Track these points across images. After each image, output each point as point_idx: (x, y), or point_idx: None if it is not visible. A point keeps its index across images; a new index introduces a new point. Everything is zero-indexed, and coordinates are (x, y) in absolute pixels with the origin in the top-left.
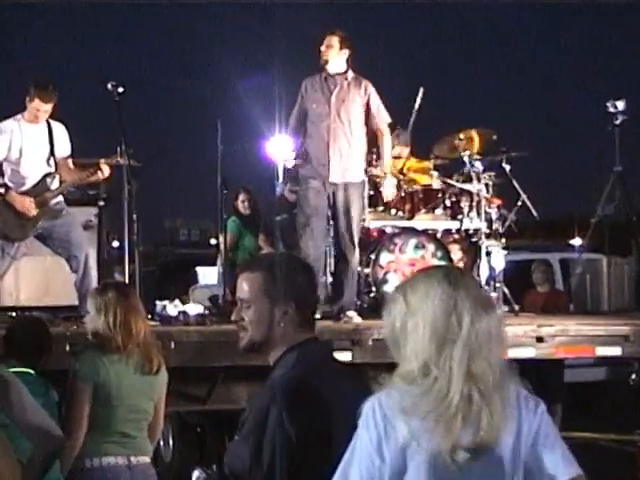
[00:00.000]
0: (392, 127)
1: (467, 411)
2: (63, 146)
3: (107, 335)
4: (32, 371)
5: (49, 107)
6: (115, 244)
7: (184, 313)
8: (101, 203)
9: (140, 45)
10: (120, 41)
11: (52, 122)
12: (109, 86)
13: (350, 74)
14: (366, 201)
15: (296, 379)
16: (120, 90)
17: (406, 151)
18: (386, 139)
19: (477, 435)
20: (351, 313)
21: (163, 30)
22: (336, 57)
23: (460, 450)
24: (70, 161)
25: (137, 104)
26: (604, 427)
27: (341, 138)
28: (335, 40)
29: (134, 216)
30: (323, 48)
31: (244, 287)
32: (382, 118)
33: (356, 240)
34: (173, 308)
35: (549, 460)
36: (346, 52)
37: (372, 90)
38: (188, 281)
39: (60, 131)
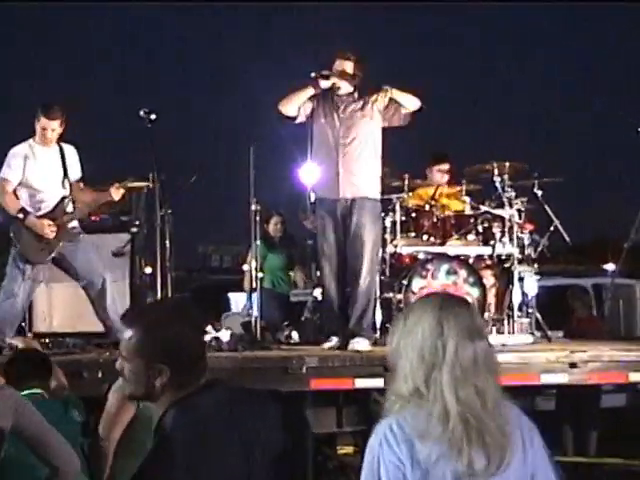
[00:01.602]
0: (441, 156)
1: (469, 434)
2: (75, 168)
3: None
4: (41, 391)
5: (56, 125)
6: (148, 270)
7: (217, 339)
8: (133, 230)
9: (172, 71)
10: (152, 67)
11: (63, 145)
12: (141, 113)
13: (357, 92)
14: (380, 223)
15: (157, 453)
16: (152, 117)
17: (446, 177)
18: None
19: (487, 457)
20: (356, 340)
21: (195, 55)
22: (349, 80)
23: (475, 471)
24: (81, 184)
25: (170, 129)
26: (635, 453)
27: (350, 156)
28: (349, 66)
29: (166, 242)
30: (337, 75)
31: (123, 341)
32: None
33: (366, 264)
34: (205, 334)
35: None
36: (358, 76)
37: (378, 95)
38: (220, 307)
39: (71, 153)
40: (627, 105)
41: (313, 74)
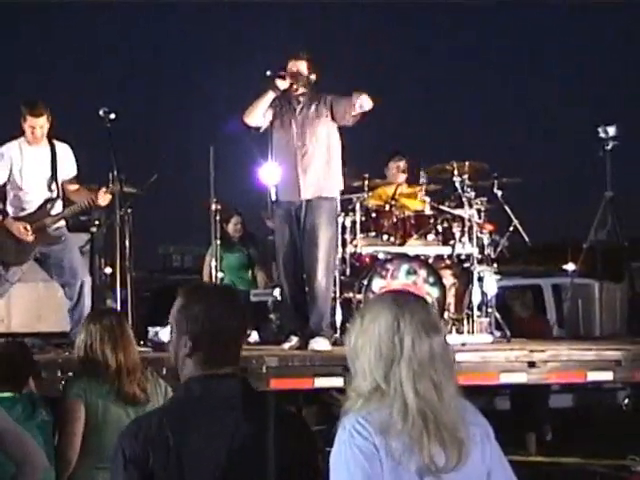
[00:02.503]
0: (396, 152)
1: (428, 429)
2: (67, 167)
3: (87, 362)
4: (10, 394)
5: (42, 122)
6: (108, 270)
7: None
8: (93, 229)
9: (132, 70)
10: (112, 66)
11: (56, 143)
12: (101, 113)
13: (312, 92)
14: (336, 223)
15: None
16: (112, 117)
17: (403, 177)
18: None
19: (445, 452)
20: (316, 339)
21: (155, 55)
22: (304, 80)
23: (437, 467)
24: (74, 183)
25: (129, 130)
26: (595, 452)
27: (307, 157)
28: (304, 64)
29: (126, 242)
30: (293, 75)
31: None
32: (347, 101)
33: (321, 265)
34: (166, 334)
35: None
36: (313, 77)
37: (331, 96)
38: None
39: (64, 152)
40: (585, 105)
41: (269, 73)
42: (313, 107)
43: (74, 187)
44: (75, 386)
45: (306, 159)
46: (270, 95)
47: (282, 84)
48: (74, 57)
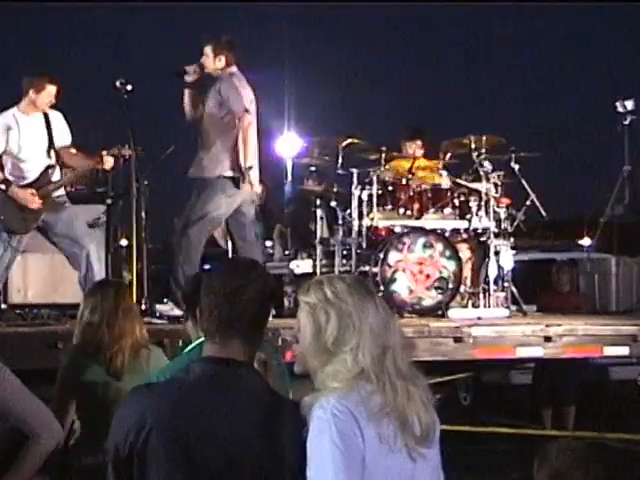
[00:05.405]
0: (412, 132)
1: (412, 406)
2: (62, 134)
3: (86, 335)
4: None
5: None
6: (123, 242)
7: None
8: (109, 201)
9: (148, 42)
10: (126, 37)
11: (49, 111)
12: (117, 84)
13: (220, 73)
14: (216, 201)
15: None
16: (128, 88)
17: (420, 152)
18: (241, 128)
19: (422, 428)
20: None
21: (171, 26)
22: (212, 65)
23: (417, 442)
24: (72, 149)
25: (146, 101)
26: (611, 427)
27: (200, 136)
28: (208, 49)
29: (142, 214)
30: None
31: None
32: (233, 107)
33: (190, 234)
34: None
35: None
36: (221, 58)
37: (224, 82)
38: None
39: (58, 119)
40: (603, 79)
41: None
42: (209, 89)
43: (72, 152)
44: (71, 364)
45: (199, 140)
46: (186, 91)
47: (188, 77)
48: (83, 28)
